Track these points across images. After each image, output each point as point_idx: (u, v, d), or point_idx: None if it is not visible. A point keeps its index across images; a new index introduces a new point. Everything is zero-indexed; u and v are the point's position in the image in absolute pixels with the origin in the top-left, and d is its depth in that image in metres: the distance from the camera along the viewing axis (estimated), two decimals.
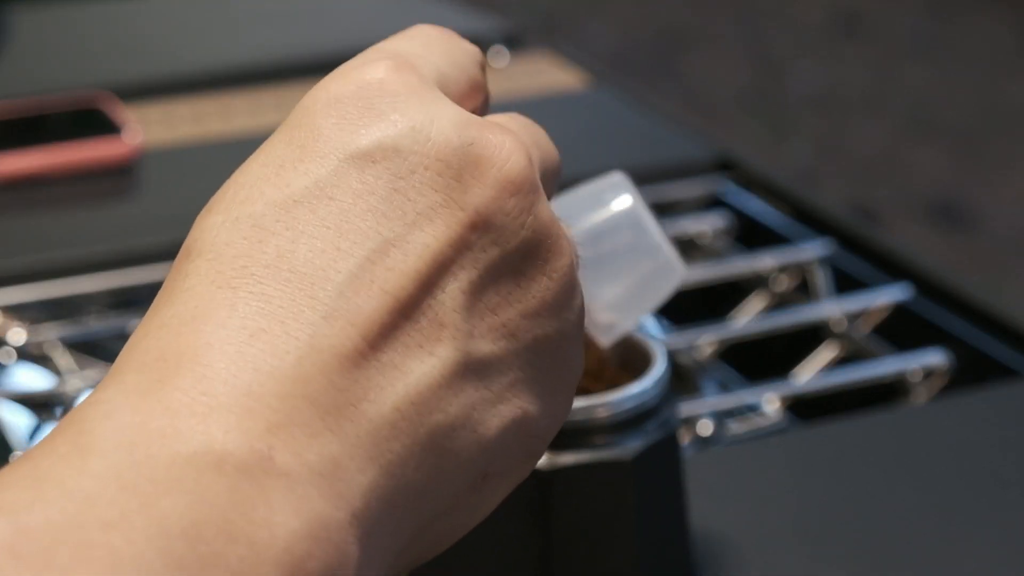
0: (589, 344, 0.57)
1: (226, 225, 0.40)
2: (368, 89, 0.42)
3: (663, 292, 0.53)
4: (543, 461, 0.54)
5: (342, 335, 0.38)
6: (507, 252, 0.42)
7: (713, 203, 0.96)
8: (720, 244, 0.91)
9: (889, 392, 0.79)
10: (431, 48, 0.45)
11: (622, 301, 0.53)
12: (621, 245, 0.52)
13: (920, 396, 0.78)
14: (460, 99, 0.45)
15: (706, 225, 0.92)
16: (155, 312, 0.39)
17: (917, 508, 0.65)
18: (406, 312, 0.40)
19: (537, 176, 0.43)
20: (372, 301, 0.39)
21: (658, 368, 0.56)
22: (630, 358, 0.58)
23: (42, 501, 0.34)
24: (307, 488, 0.36)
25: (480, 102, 0.47)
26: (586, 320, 0.52)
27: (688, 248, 0.93)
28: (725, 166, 0.99)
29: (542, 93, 1.10)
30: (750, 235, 0.93)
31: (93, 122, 0.99)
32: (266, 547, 0.35)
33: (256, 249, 0.39)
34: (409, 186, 0.41)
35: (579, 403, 0.54)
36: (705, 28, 3.65)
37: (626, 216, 0.52)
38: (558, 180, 0.46)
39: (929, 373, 0.79)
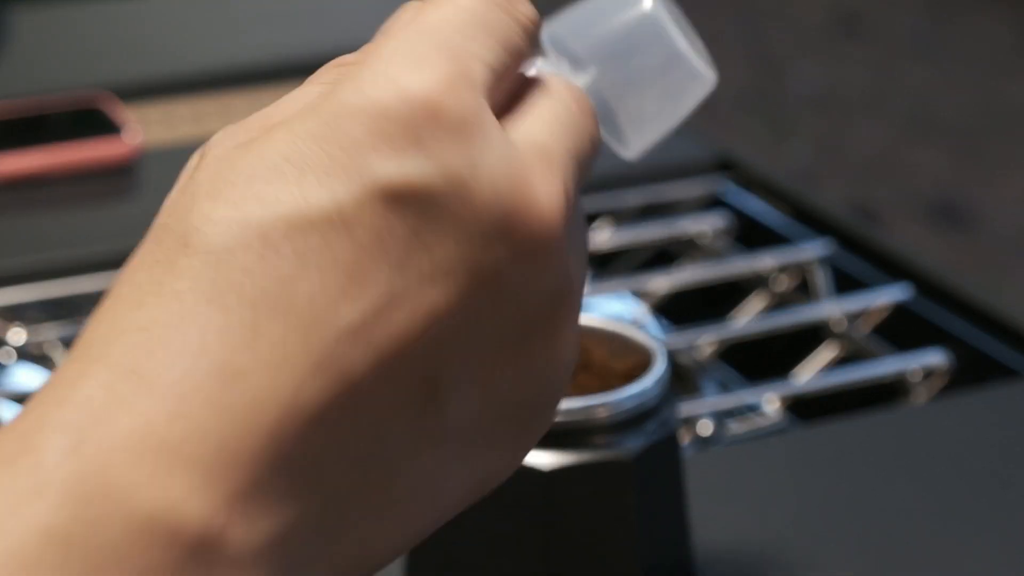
0: (589, 344, 0.57)
1: (232, 226, 0.36)
2: (414, 109, 0.37)
3: (691, 102, 0.49)
4: (543, 461, 0.54)
5: (327, 391, 0.36)
6: (516, 317, 0.39)
7: (713, 203, 0.96)
8: (720, 244, 0.91)
9: (889, 392, 0.79)
10: (479, 32, 0.40)
11: (648, 113, 0.50)
12: (644, 54, 0.49)
13: (920, 396, 0.78)
14: (504, 81, 0.41)
15: (706, 225, 0.92)
16: (136, 303, 0.36)
17: (917, 508, 0.65)
18: (398, 371, 0.37)
19: (565, 230, 0.39)
20: (367, 357, 0.36)
21: (658, 368, 0.56)
22: (630, 358, 0.58)
23: None
24: (256, 572, 0.34)
25: (518, 69, 0.42)
26: (608, 135, 0.49)
27: (688, 248, 0.93)
28: (725, 166, 0.99)
29: None
30: (750, 235, 0.93)
31: (93, 122, 0.99)
32: None
33: (258, 267, 0.36)
34: (432, 236, 0.37)
35: (579, 403, 0.54)
36: (705, 28, 3.65)
37: (648, 22, 0.48)
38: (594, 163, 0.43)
39: (929, 373, 0.79)
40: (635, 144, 0.49)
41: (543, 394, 0.40)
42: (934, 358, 0.79)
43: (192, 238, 0.36)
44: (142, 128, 1.00)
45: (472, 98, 0.38)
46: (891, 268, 0.87)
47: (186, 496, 0.33)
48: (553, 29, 0.47)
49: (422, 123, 0.37)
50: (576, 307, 0.40)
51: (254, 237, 0.36)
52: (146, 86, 1.08)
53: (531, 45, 0.42)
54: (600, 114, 0.48)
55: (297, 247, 0.36)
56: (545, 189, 0.39)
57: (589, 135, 0.42)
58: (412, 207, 0.37)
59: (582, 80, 0.47)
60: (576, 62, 0.47)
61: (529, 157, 0.39)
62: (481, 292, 0.38)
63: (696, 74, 0.48)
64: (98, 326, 0.36)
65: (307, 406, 0.35)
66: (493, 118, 0.39)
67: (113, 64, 1.13)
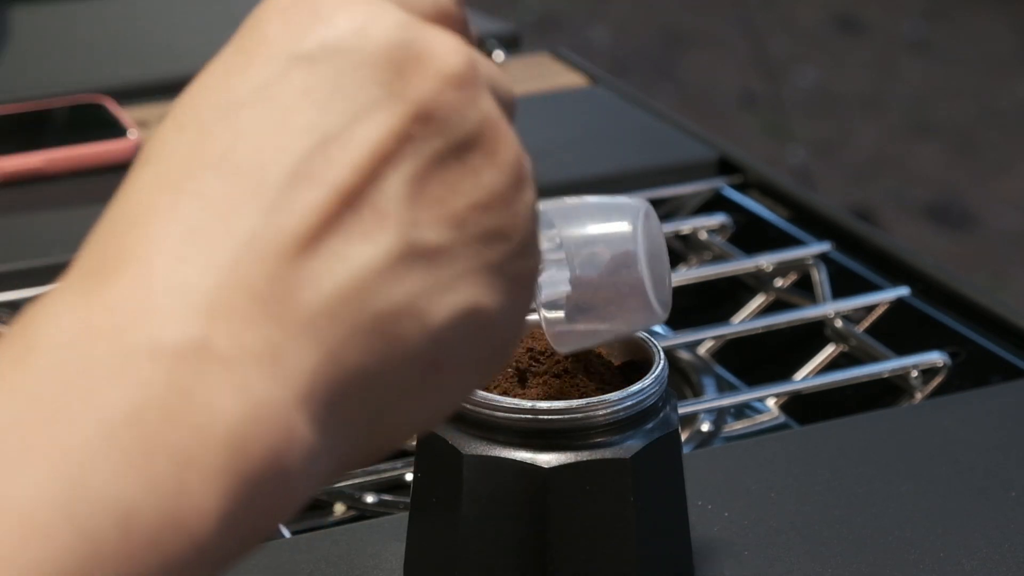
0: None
1: (172, 131, 0.41)
2: None
3: (636, 328, 0.54)
4: (543, 460, 0.54)
5: (282, 226, 0.39)
6: (451, 144, 0.42)
7: (713, 203, 0.96)
8: (720, 244, 0.91)
9: (889, 392, 0.79)
10: None
11: (596, 321, 0.54)
12: (608, 267, 0.53)
13: (920, 396, 0.78)
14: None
15: (706, 225, 0.92)
16: (103, 219, 0.41)
17: (916, 507, 0.65)
18: (347, 202, 0.40)
19: (481, 74, 0.43)
20: (313, 192, 0.40)
21: (657, 367, 0.56)
22: (630, 357, 0.58)
23: None
24: (247, 371, 0.37)
25: (453, 31, 0.46)
26: (550, 328, 0.54)
27: (688, 248, 0.93)
28: (725, 167, 0.99)
29: (542, 93, 1.10)
30: (750, 235, 0.93)
31: (94, 122, 0.99)
32: (208, 430, 0.36)
33: (199, 151, 0.40)
34: (351, 82, 0.41)
35: (579, 402, 0.54)
36: (705, 28, 3.65)
37: (623, 241, 0.53)
38: (513, 120, 0.46)
39: (929, 373, 0.79)
40: (568, 342, 0.54)
41: (509, 220, 0.43)
42: (934, 358, 0.79)
43: (143, 155, 0.41)
44: (142, 128, 1.00)
45: None
46: (890, 268, 0.87)
47: (159, 327, 0.37)
48: (551, 214, 0.52)
49: (321, 2, 0.42)
50: (513, 144, 0.44)
51: (193, 133, 0.41)
52: (146, 86, 1.08)
53: (449, 1, 0.45)
54: (555, 304, 0.53)
55: (230, 124, 0.41)
56: (452, 37, 0.43)
57: (504, 79, 0.46)
58: (327, 63, 0.41)
59: (561, 269, 0.53)
60: (558, 247, 0.52)
61: (430, 22, 0.44)
62: (410, 122, 0.41)
63: (650, 309, 0.53)
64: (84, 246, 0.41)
65: (264, 241, 0.39)
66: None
67: (113, 64, 1.13)
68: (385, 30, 0.42)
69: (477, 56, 0.44)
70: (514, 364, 0.56)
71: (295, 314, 0.39)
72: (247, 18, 0.43)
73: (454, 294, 0.42)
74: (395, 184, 0.41)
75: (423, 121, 0.41)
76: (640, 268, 0.52)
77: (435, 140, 0.42)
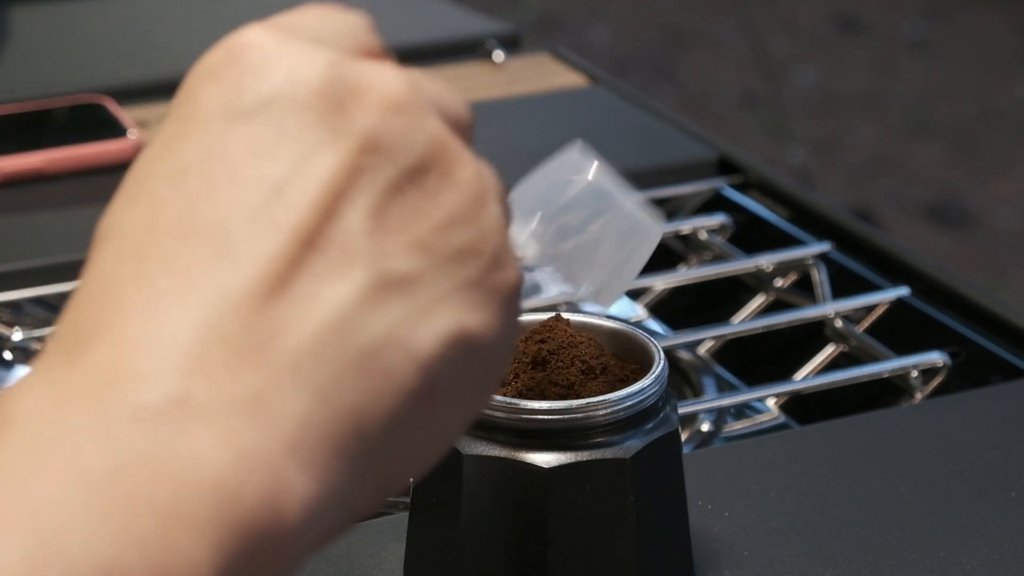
0: (590, 343, 0.58)
1: (125, 206, 0.41)
2: (239, 51, 0.43)
3: (644, 254, 0.53)
4: (543, 460, 0.54)
5: (248, 277, 0.39)
6: (404, 170, 0.42)
7: (713, 203, 0.96)
8: (720, 244, 0.91)
9: (889, 392, 0.79)
10: (306, 19, 0.45)
11: (605, 271, 0.53)
12: (592, 218, 0.53)
13: (920, 396, 0.78)
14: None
15: (706, 225, 0.92)
16: (70, 302, 0.40)
17: (916, 507, 0.65)
18: (310, 243, 0.40)
19: (423, 96, 0.43)
20: (274, 239, 0.39)
21: (657, 367, 0.56)
22: (630, 357, 0.58)
23: None
24: (231, 421, 0.36)
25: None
26: (581, 296, 0.53)
27: (688, 248, 0.93)
28: (725, 167, 0.99)
29: (542, 93, 1.10)
30: (750, 235, 0.93)
31: (94, 123, 0.99)
32: (193, 482, 0.35)
33: (154, 220, 0.40)
34: (293, 128, 0.41)
35: (579, 402, 0.54)
36: (705, 28, 3.65)
37: (590, 189, 0.53)
38: (471, 135, 0.45)
39: (929, 373, 0.79)
40: (604, 297, 0.53)
41: (477, 236, 0.43)
42: (934, 358, 0.79)
43: (99, 236, 0.41)
44: (142, 128, 1.00)
45: (289, 33, 0.43)
46: (890, 268, 0.87)
47: (136, 388, 0.36)
48: (514, 199, 0.52)
49: (247, 56, 0.43)
50: (468, 160, 0.43)
51: (146, 204, 0.41)
52: (146, 86, 1.08)
53: (367, 34, 0.45)
54: (567, 273, 0.53)
55: (182, 190, 0.40)
56: (386, 67, 0.43)
57: (453, 96, 0.45)
58: (265, 114, 0.41)
59: (548, 244, 0.53)
60: (537, 228, 0.52)
61: (361, 57, 0.44)
62: (358, 155, 0.41)
63: (643, 228, 0.53)
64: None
65: (232, 293, 0.39)
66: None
67: (113, 64, 1.13)
68: (317, 70, 0.42)
69: (417, 78, 0.43)
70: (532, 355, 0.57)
71: (276, 360, 0.38)
72: (181, 85, 0.43)
73: (436, 318, 0.41)
74: (355, 218, 0.40)
75: (371, 152, 0.41)
76: (613, 197, 0.53)
77: (387, 168, 0.41)
